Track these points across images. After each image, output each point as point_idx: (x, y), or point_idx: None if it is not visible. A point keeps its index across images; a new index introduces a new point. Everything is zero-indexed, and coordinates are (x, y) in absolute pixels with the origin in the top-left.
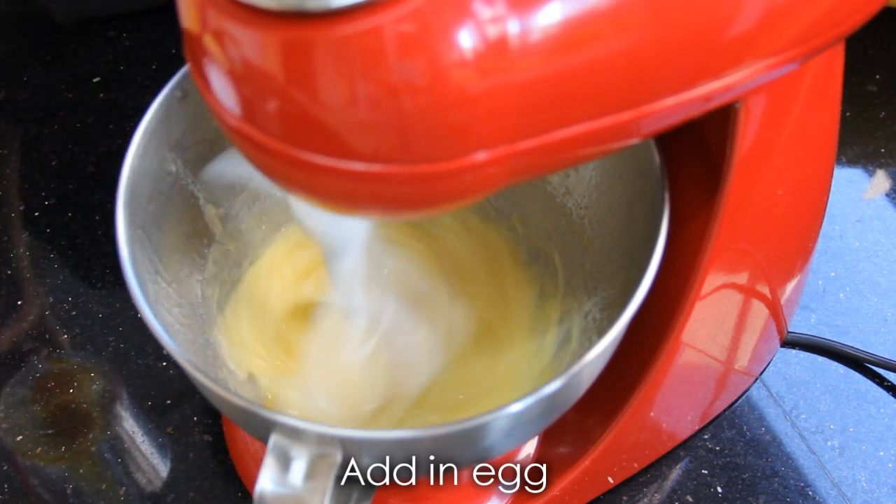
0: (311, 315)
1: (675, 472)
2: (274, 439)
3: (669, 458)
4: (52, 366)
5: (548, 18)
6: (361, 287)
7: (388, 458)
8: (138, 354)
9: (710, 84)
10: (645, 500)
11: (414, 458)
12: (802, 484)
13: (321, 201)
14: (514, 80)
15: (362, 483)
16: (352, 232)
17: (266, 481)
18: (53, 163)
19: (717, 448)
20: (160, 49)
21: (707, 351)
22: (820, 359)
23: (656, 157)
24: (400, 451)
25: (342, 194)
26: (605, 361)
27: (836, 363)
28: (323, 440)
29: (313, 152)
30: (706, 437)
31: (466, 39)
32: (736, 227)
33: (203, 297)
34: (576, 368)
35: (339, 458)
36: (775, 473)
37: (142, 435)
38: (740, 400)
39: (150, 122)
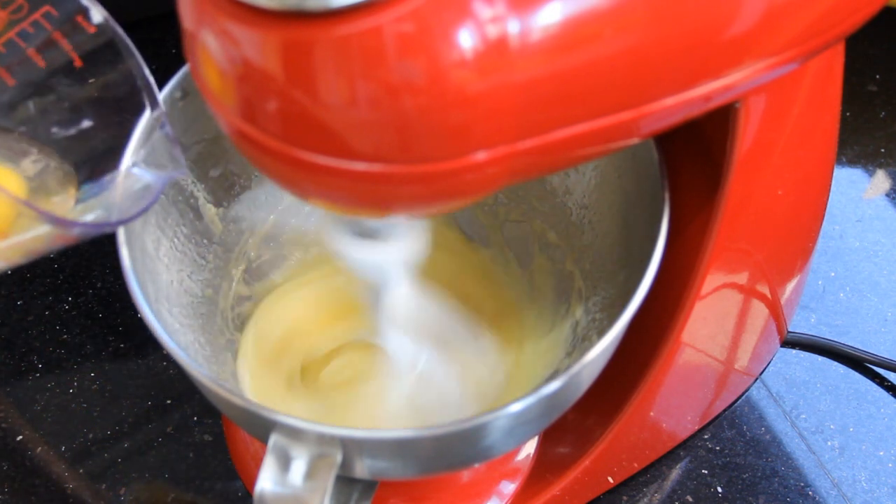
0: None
1: (675, 472)
2: (274, 439)
3: (669, 458)
4: (53, 366)
5: (548, 18)
6: (404, 322)
7: (388, 457)
8: (138, 354)
9: (710, 84)
10: (645, 500)
11: (414, 457)
12: (802, 484)
13: (321, 201)
14: (514, 80)
15: (362, 482)
16: (397, 262)
17: (266, 481)
18: None
19: (717, 448)
20: (160, 49)
21: (707, 351)
22: (820, 359)
23: (656, 157)
24: (400, 451)
25: (342, 194)
26: (605, 361)
27: (836, 363)
28: (323, 440)
29: (313, 152)
30: (706, 437)
31: (466, 39)
32: (736, 227)
33: (203, 296)
34: (576, 368)
35: (339, 458)
36: (775, 473)
37: (142, 435)
38: (740, 400)
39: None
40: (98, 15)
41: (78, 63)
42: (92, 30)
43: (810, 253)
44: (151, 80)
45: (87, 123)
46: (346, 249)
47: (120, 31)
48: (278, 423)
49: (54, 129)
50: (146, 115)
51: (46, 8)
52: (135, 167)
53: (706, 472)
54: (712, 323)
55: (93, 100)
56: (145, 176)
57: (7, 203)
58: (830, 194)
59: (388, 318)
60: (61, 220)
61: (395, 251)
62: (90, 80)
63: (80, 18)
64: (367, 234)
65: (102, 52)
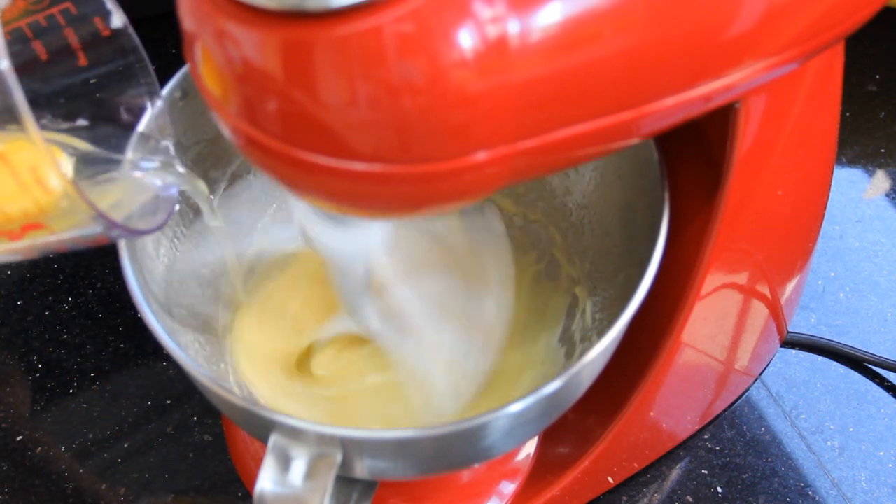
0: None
1: (675, 472)
2: (274, 439)
3: (669, 458)
4: (53, 366)
5: (548, 18)
6: (372, 298)
7: (388, 458)
8: (138, 354)
9: (710, 84)
10: (645, 500)
11: (414, 458)
12: (802, 484)
13: (321, 201)
14: (514, 80)
15: (362, 482)
16: (360, 245)
17: (266, 481)
18: None
19: (717, 448)
20: (160, 49)
21: (707, 351)
22: (820, 359)
23: (656, 157)
24: (400, 451)
25: (342, 194)
26: (605, 361)
27: (836, 363)
28: (323, 440)
29: (313, 152)
30: (706, 437)
31: (466, 39)
32: (736, 227)
33: (203, 296)
34: (576, 368)
35: (339, 458)
36: (775, 473)
37: (142, 435)
38: (740, 400)
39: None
40: (118, 20)
41: (83, 62)
42: (106, 33)
43: (810, 253)
44: (160, 90)
45: (81, 122)
46: (318, 236)
47: (136, 38)
48: (278, 423)
49: (44, 122)
50: (148, 121)
51: (67, 4)
52: (137, 172)
53: (706, 472)
54: (712, 323)
55: (92, 99)
56: (151, 182)
57: (50, 190)
58: (830, 194)
59: (352, 295)
60: (114, 222)
61: (364, 235)
62: (92, 80)
63: (97, 20)
64: (336, 219)
65: (110, 54)
